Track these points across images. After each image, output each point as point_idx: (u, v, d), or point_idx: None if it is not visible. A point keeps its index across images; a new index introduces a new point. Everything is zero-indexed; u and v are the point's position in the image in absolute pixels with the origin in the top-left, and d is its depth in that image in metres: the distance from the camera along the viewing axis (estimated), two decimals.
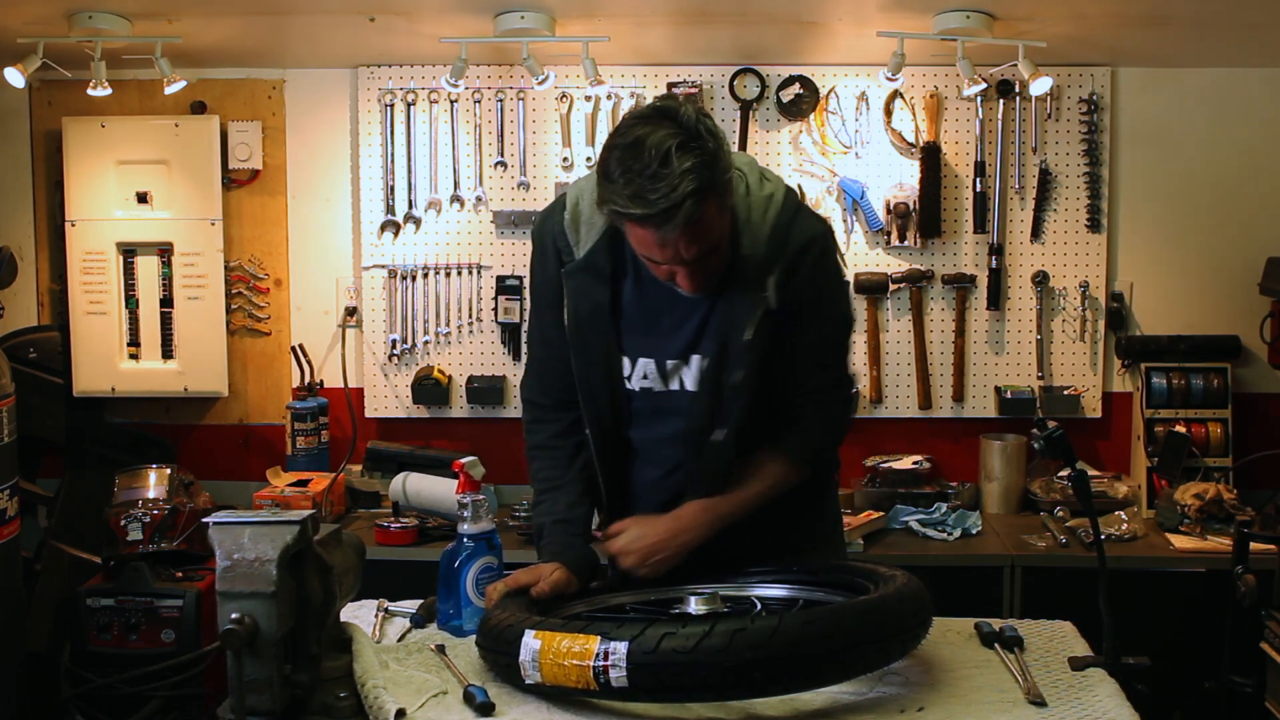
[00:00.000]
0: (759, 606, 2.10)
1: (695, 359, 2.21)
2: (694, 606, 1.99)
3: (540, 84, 3.57)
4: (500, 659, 1.94)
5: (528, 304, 3.90)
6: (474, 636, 2.17)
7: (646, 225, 1.98)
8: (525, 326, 3.68)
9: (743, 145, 3.83)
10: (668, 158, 1.92)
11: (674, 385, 2.24)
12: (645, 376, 2.24)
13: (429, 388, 3.92)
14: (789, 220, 2.17)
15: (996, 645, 2.14)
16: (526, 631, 1.87)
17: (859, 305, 3.87)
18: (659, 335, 2.22)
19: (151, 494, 3.27)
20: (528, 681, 1.87)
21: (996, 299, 3.89)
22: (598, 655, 1.78)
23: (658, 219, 1.95)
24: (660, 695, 1.81)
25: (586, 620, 1.88)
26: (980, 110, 3.84)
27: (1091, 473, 3.73)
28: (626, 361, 2.24)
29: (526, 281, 3.85)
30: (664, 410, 2.25)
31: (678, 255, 2.03)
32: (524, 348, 3.92)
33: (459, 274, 3.93)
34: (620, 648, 1.77)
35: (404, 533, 3.51)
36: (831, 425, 2.34)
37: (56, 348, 3.82)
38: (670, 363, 2.22)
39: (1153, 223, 3.92)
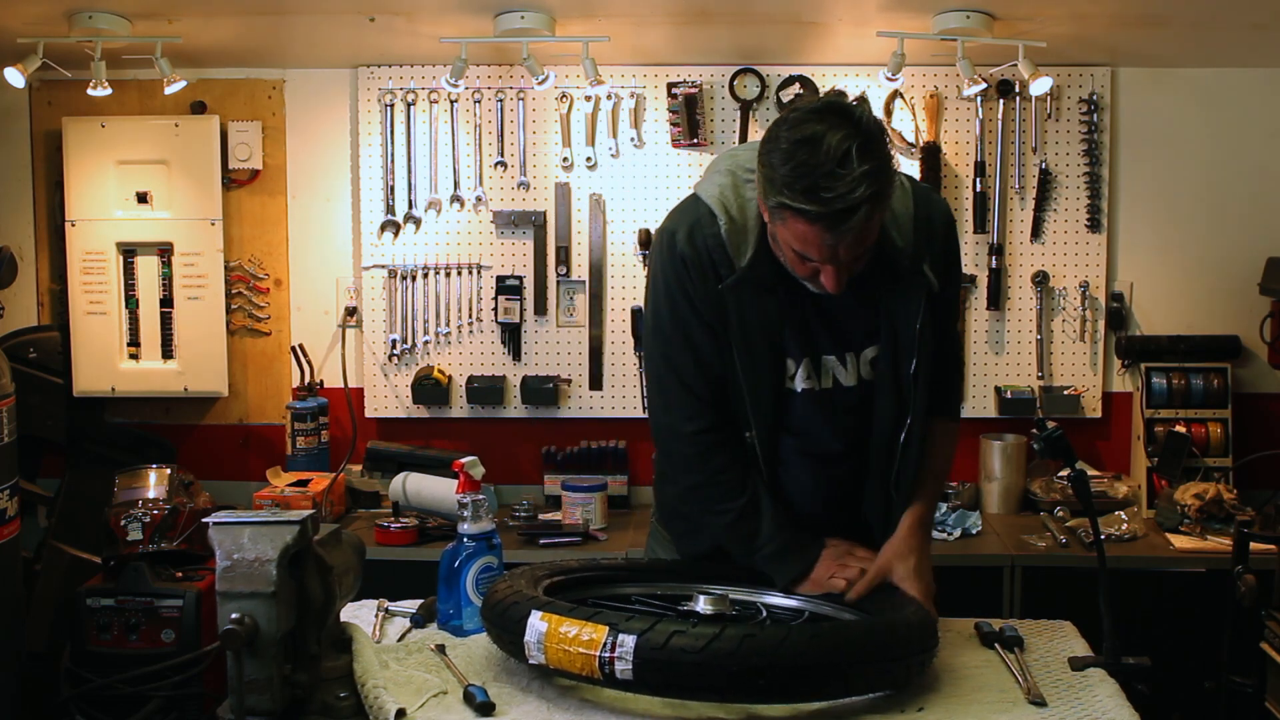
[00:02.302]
0: (765, 614, 2.10)
1: (850, 356, 2.20)
2: (702, 606, 1.99)
3: (540, 84, 3.57)
4: (505, 636, 1.95)
5: (528, 304, 3.97)
6: (474, 636, 2.18)
7: (816, 223, 1.90)
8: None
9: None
10: (846, 158, 1.86)
11: (827, 383, 2.21)
12: (809, 376, 2.21)
13: (429, 388, 3.91)
14: (925, 204, 2.17)
15: (996, 645, 2.14)
16: (533, 613, 1.88)
17: None
18: (817, 334, 2.19)
19: (151, 494, 3.27)
20: (531, 662, 1.87)
21: (996, 299, 3.89)
22: (605, 645, 1.78)
23: (831, 219, 1.89)
24: (664, 691, 1.81)
25: (595, 608, 1.88)
26: (980, 110, 3.84)
27: (1091, 473, 3.73)
28: (790, 363, 2.19)
29: (528, 282, 3.92)
30: (820, 408, 2.22)
31: (835, 256, 1.96)
32: (523, 347, 3.94)
33: (459, 274, 3.93)
34: (629, 641, 1.77)
35: (404, 533, 3.51)
36: (962, 376, 2.43)
37: (56, 348, 3.82)
38: (828, 359, 2.20)
39: (1153, 223, 3.91)
